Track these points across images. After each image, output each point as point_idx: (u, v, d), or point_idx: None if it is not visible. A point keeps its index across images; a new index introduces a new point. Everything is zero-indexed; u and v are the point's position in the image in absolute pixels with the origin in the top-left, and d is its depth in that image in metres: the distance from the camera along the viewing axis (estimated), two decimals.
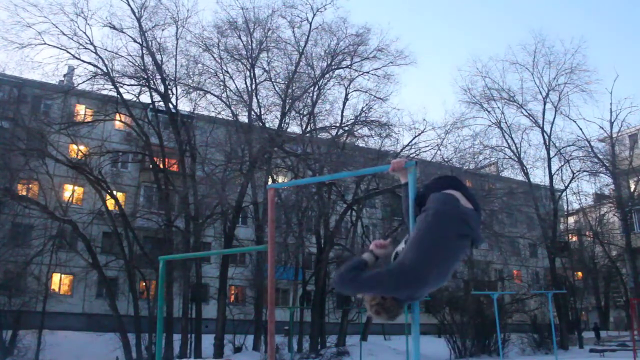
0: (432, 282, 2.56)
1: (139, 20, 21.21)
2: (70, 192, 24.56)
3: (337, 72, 23.02)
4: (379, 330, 28.33)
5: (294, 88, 21.49)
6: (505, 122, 28.63)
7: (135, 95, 22.16)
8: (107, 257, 22.96)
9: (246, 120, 22.05)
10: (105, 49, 21.31)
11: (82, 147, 22.66)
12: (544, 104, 28.64)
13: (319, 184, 19.39)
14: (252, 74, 21.86)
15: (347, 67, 22.98)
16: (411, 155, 21.16)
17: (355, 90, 23.65)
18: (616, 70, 70.57)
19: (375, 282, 2.50)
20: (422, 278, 2.50)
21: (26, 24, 20.15)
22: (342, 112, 23.15)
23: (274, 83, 22.49)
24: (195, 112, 23.11)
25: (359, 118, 22.54)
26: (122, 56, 21.39)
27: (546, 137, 28.44)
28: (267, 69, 22.48)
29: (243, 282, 27.17)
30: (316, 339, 21.29)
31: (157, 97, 22.38)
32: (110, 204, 22.10)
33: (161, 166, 22.85)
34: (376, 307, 2.59)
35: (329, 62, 22.30)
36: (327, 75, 22.54)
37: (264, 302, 20.94)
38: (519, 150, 28.21)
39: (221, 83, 22.00)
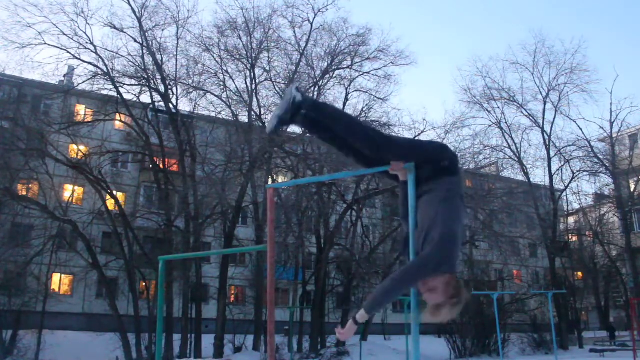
0: None
1: (139, 20, 21.22)
2: (70, 192, 24.56)
3: (337, 72, 23.04)
4: (379, 330, 28.33)
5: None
6: (505, 122, 28.66)
7: (135, 95, 22.19)
8: (107, 257, 22.95)
9: (246, 120, 22.05)
10: (106, 49, 21.35)
11: (82, 147, 22.65)
12: (544, 104, 28.67)
13: (319, 184, 19.40)
14: (252, 74, 21.87)
15: (347, 67, 23.00)
16: None
17: (355, 91, 23.68)
18: (616, 70, 70.65)
19: (435, 259, 2.61)
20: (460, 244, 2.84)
21: (26, 24, 20.16)
22: None
23: (274, 83, 22.50)
24: (195, 112, 23.11)
25: (359, 118, 22.53)
26: (122, 56, 21.42)
27: (546, 137, 28.47)
28: (267, 69, 22.51)
29: (243, 282, 27.18)
30: (316, 339, 21.29)
31: (157, 97, 22.40)
32: (110, 204, 22.09)
33: (161, 166, 22.83)
34: (453, 294, 2.62)
35: (329, 62, 22.31)
36: (327, 76, 22.55)
37: (264, 302, 20.94)
38: (519, 150, 28.23)
39: (221, 83, 22.01)
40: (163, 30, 22.16)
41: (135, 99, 22.17)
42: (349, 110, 25.65)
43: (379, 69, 23.07)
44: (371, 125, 3.08)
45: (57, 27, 20.34)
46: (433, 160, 2.86)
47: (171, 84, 22.09)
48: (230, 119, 22.20)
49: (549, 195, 28.95)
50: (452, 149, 3.14)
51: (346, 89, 23.38)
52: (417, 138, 3.25)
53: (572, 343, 26.72)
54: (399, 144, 3.05)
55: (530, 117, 28.82)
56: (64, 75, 23.39)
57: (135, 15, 21.25)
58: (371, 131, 3.07)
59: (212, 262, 25.88)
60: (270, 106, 22.50)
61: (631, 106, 42.53)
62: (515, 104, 28.88)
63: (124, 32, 21.42)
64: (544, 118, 28.60)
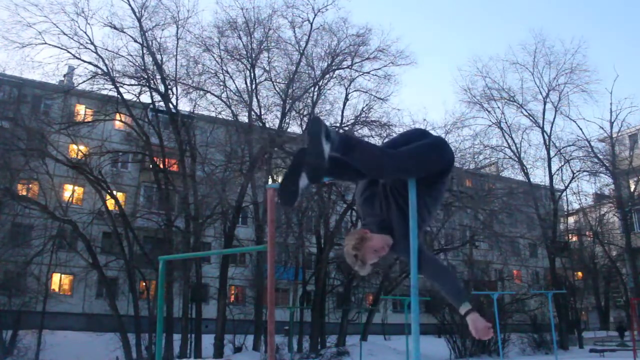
0: None
1: (139, 20, 21.21)
2: (70, 192, 24.55)
3: (337, 72, 23.00)
4: (379, 330, 28.33)
5: (294, 88, 21.48)
6: (506, 122, 28.60)
7: (135, 95, 22.15)
8: (107, 257, 22.94)
9: (246, 120, 22.04)
10: (106, 49, 21.31)
11: (82, 147, 22.64)
12: (544, 104, 28.62)
13: (319, 184, 19.39)
14: (252, 74, 21.86)
15: (347, 67, 22.97)
16: None
17: (355, 91, 23.64)
18: (616, 70, 70.65)
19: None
20: None
21: (27, 23, 20.14)
22: (343, 112, 23.15)
23: (274, 83, 22.49)
24: (195, 112, 23.11)
25: (359, 118, 22.53)
26: (122, 56, 21.39)
27: (546, 137, 28.43)
28: (267, 69, 22.49)
29: (243, 282, 27.17)
30: (316, 339, 21.29)
31: (157, 97, 22.37)
32: (110, 204, 22.09)
33: (161, 166, 22.83)
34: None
35: (329, 62, 22.28)
36: (327, 76, 22.51)
37: (264, 302, 20.93)
38: (519, 150, 28.19)
39: (221, 83, 22.01)
40: (163, 30, 22.18)
41: (135, 99, 22.17)
42: (348, 111, 25.67)
43: (379, 69, 23.06)
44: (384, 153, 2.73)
45: (57, 27, 20.35)
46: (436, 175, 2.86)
47: (171, 84, 22.10)
48: (230, 119, 22.19)
49: (549, 195, 28.93)
50: (454, 159, 2.92)
51: (346, 89, 23.38)
52: (421, 151, 2.89)
53: (572, 343, 26.71)
54: (408, 173, 2.78)
55: (530, 117, 28.81)
56: (64, 75, 23.38)
57: (135, 15, 21.27)
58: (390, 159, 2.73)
59: (212, 262, 25.88)
60: (271, 106, 22.53)
61: (631, 106, 42.39)
62: (515, 104, 28.87)
63: (124, 32, 21.43)
64: (544, 118, 28.61)
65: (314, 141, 2.47)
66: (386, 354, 20.87)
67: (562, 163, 28.71)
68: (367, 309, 25.32)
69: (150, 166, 24.11)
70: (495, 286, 27.80)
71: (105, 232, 24.89)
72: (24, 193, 21.96)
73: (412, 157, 2.70)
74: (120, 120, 23.78)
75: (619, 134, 29.65)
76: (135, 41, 21.57)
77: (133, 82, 21.76)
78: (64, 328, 23.30)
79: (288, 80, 21.62)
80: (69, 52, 20.66)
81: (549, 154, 28.49)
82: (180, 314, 20.94)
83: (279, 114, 21.89)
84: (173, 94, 22.21)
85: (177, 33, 21.83)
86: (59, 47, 20.58)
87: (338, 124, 22.82)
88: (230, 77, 22.18)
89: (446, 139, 3.00)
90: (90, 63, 21.07)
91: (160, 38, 22.15)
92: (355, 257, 2.77)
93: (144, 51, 21.39)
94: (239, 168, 20.72)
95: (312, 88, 21.97)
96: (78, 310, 25.86)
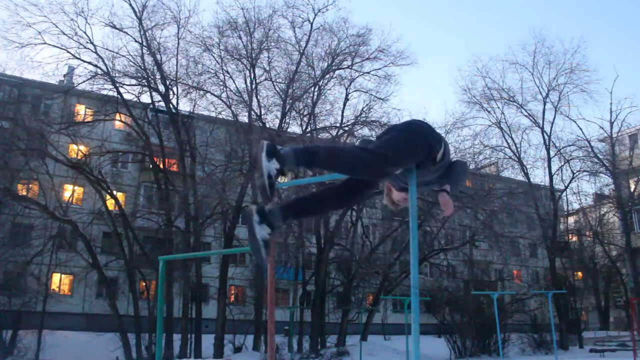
0: None
1: (139, 19, 21.20)
2: (70, 192, 24.55)
3: (337, 72, 23.01)
4: (379, 330, 28.33)
5: (294, 88, 21.47)
6: (505, 122, 28.61)
7: (135, 95, 22.16)
8: (107, 257, 22.94)
9: (246, 120, 22.03)
10: (106, 49, 21.31)
11: (82, 147, 22.64)
12: (544, 104, 28.63)
13: (319, 184, 19.36)
14: (252, 74, 21.84)
15: (347, 67, 22.97)
16: None
17: (355, 91, 23.63)
18: (616, 70, 70.54)
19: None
20: None
21: (26, 23, 20.11)
22: (343, 112, 23.13)
23: (275, 83, 22.47)
24: (195, 112, 23.10)
25: (359, 118, 22.53)
26: (122, 56, 21.39)
27: (546, 137, 28.44)
28: (267, 68, 22.47)
29: (243, 282, 27.17)
30: (316, 339, 21.29)
31: (157, 97, 22.37)
32: (110, 204, 22.09)
33: (161, 166, 22.83)
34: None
35: (329, 62, 22.29)
36: (327, 76, 22.52)
37: (264, 302, 20.93)
38: (519, 150, 28.20)
39: (221, 83, 22.00)
40: (163, 30, 22.17)
41: (135, 99, 22.16)
42: (348, 111, 25.66)
43: (379, 69, 23.05)
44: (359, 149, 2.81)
45: (57, 27, 20.32)
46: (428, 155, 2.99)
47: (171, 83, 22.09)
48: (230, 119, 22.18)
49: (549, 195, 28.94)
50: (443, 137, 3.10)
51: (346, 89, 23.36)
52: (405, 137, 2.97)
53: (572, 343, 26.72)
54: (394, 160, 2.81)
55: (530, 117, 28.81)
56: (64, 75, 23.37)
57: (136, 15, 21.25)
58: (366, 155, 2.73)
59: (212, 262, 25.87)
60: (271, 106, 22.53)
61: (631, 106, 42.16)
62: (515, 104, 28.87)
63: (124, 32, 21.43)
64: (543, 118, 28.60)
65: (257, 162, 2.47)
66: (386, 354, 20.87)
67: (562, 163, 28.75)
68: (367, 309, 25.33)
69: (150, 166, 24.11)
70: (495, 286, 27.81)
71: (105, 232, 24.89)
72: (24, 193, 21.95)
73: (391, 146, 2.79)
74: (120, 120, 23.77)
75: (619, 134, 29.64)
76: (136, 41, 21.59)
77: (133, 82, 21.76)
78: (64, 328, 23.28)
79: (288, 80, 21.61)
80: (68, 52, 20.67)
81: (548, 154, 28.51)
82: (180, 314, 20.93)
83: (279, 114, 21.90)
84: (173, 94, 22.23)
85: (177, 33, 21.85)
86: (58, 47, 20.60)
87: (338, 124, 22.83)
88: (230, 77, 22.19)
89: (420, 119, 3.18)
90: (90, 63, 21.09)
91: (160, 38, 22.17)
92: (389, 201, 3.34)
93: (144, 51, 21.39)
94: (239, 168, 20.71)
95: (312, 88, 21.97)
96: (78, 310, 25.86)
